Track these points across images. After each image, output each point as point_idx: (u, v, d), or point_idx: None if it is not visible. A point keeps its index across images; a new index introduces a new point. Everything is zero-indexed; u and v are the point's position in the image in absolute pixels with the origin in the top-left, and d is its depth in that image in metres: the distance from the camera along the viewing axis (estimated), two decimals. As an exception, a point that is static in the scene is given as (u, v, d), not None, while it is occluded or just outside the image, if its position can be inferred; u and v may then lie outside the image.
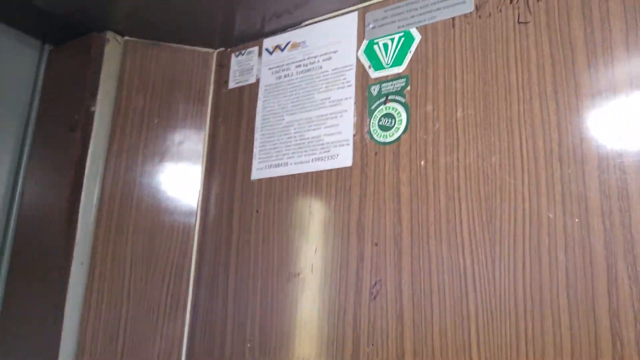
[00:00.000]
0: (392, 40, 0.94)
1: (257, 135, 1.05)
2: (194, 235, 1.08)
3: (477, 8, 0.87)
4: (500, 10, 0.84)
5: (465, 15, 0.87)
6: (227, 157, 1.09)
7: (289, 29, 1.09)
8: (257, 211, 1.02)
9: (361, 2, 1.00)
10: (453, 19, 0.88)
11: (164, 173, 1.09)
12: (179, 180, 1.10)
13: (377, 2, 0.98)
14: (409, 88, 0.90)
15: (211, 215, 1.08)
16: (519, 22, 0.82)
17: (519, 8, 0.83)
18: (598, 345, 0.68)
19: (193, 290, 1.05)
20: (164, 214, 1.07)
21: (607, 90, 0.73)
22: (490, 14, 0.85)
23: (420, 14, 0.92)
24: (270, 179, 1.02)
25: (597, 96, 0.74)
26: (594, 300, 0.69)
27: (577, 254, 0.71)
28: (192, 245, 1.07)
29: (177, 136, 1.11)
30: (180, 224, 1.08)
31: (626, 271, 0.68)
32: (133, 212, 1.06)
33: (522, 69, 0.80)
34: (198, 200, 1.10)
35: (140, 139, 1.09)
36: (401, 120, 0.89)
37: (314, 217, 0.95)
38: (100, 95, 1.07)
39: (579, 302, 0.70)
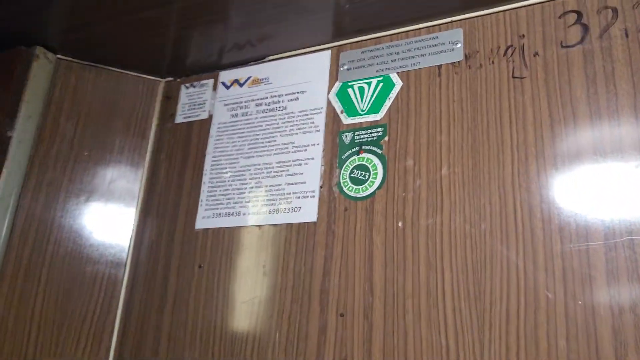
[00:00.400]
0: (369, 84, 0.85)
1: (206, 179, 0.92)
2: (120, 290, 0.92)
3: (466, 57, 0.79)
4: (493, 62, 0.77)
5: (453, 64, 0.79)
6: (168, 201, 0.95)
7: (251, 63, 0.97)
8: (200, 266, 0.88)
9: (335, 41, 0.90)
10: (439, 66, 0.80)
11: (90, 214, 0.93)
12: (108, 223, 0.94)
13: (353, 42, 0.89)
14: (386, 138, 0.80)
15: (143, 267, 0.92)
16: (513, 77, 0.75)
17: (513, 62, 0.75)
18: None
19: (114, 358, 0.88)
20: (86, 263, 0.91)
21: (614, 153, 0.66)
22: (481, 65, 0.77)
23: (402, 59, 0.83)
24: (219, 229, 0.88)
25: (601, 161, 0.67)
26: (601, 398, 0.59)
27: (581, 341, 0.62)
28: (118, 303, 0.91)
29: (110, 172, 0.96)
30: (105, 275, 0.91)
31: (639, 366, 0.59)
32: (48, 259, 0.89)
33: (518, 127, 0.72)
34: (129, 248, 0.94)
35: (64, 173, 0.93)
36: (376, 174, 0.79)
37: (268, 278, 0.82)
38: (20, 119, 0.91)
39: (584, 399, 0.60)
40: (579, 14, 0.73)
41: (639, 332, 0.60)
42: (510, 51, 0.76)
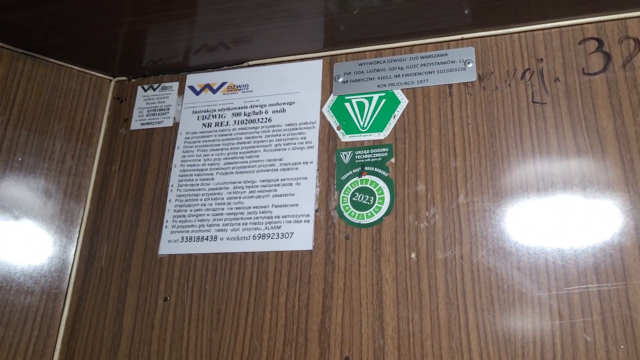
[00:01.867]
0: (370, 100, 0.77)
1: (172, 196, 0.79)
2: (59, 328, 0.75)
3: (480, 78, 0.74)
4: (509, 85, 0.72)
5: (465, 84, 0.74)
6: (122, 221, 0.80)
7: (226, 67, 0.86)
8: (165, 299, 0.74)
9: (327, 49, 0.82)
10: (450, 85, 0.74)
11: (20, 235, 0.76)
12: (44, 246, 0.78)
13: (349, 53, 0.81)
14: (392, 160, 0.73)
15: (90, 300, 0.77)
16: (533, 102, 0.71)
17: (532, 86, 0.71)
18: None
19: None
20: (15, 295, 0.74)
21: (648, 193, 0.63)
22: (497, 86, 0.72)
23: (407, 75, 0.76)
24: (189, 256, 0.75)
25: (633, 195, 0.64)
26: None
27: (627, 390, 0.57)
28: (55, 343, 0.75)
29: (48, 183, 0.80)
30: (39, 310, 0.75)
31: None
32: (-33, 288, 0.71)
33: (542, 155, 0.68)
34: (69, 277, 0.78)
35: (-10, 182, 0.76)
36: (383, 199, 0.71)
37: (254, 314, 0.70)
38: None
39: None
40: (600, 41, 0.71)
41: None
42: (528, 75, 0.72)
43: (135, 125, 0.86)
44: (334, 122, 0.77)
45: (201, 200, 0.77)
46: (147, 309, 0.74)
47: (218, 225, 0.75)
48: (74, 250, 0.79)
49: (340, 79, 0.79)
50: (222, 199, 0.77)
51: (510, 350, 0.61)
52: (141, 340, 0.73)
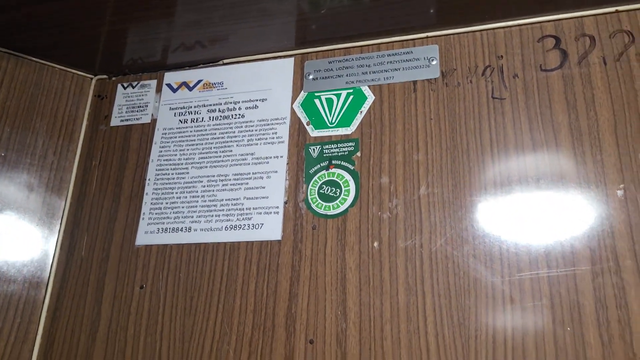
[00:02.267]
0: (338, 96, 0.80)
1: (149, 189, 0.82)
2: (40, 314, 0.79)
3: (443, 75, 0.77)
4: (471, 82, 0.75)
5: (429, 81, 0.77)
6: (101, 213, 0.83)
7: (202, 66, 0.89)
8: (141, 287, 0.77)
9: (298, 48, 0.85)
10: (414, 82, 0.77)
11: (3, 227, 0.79)
12: (27, 238, 0.81)
13: (319, 51, 0.84)
14: (358, 154, 0.76)
15: (70, 288, 0.80)
16: (493, 98, 0.74)
17: (492, 82, 0.74)
18: None
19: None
20: (-2, 283, 0.77)
21: (598, 183, 0.66)
22: (459, 83, 0.75)
23: (374, 72, 0.79)
24: (165, 246, 0.78)
25: (584, 187, 0.67)
26: None
27: (572, 370, 0.60)
28: (37, 328, 0.78)
29: (30, 178, 0.83)
30: (22, 297, 0.78)
31: (630, 394, 0.58)
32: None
33: (499, 149, 0.71)
34: (51, 266, 0.81)
35: (-26, 176, 0.79)
36: (349, 191, 0.74)
37: (225, 300, 0.73)
38: None
39: None
40: (557, 39, 0.74)
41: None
42: (488, 71, 0.75)
43: (115, 121, 0.89)
44: (303, 118, 0.80)
45: (176, 193, 0.81)
46: (124, 296, 0.77)
47: (192, 217, 0.79)
48: (55, 241, 0.83)
49: (311, 76, 0.82)
50: (197, 192, 0.80)
51: (464, 333, 0.64)
52: (118, 325, 0.76)
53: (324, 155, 0.77)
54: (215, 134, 0.83)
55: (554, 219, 0.66)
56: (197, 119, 0.85)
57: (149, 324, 0.75)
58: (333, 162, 0.76)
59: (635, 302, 0.60)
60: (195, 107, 0.86)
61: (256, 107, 0.83)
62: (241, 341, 0.71)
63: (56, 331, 0.78)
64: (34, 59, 0.89)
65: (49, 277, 0.81)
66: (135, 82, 0.91)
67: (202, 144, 0.83)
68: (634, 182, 0.65)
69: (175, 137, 0.84)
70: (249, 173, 0.79)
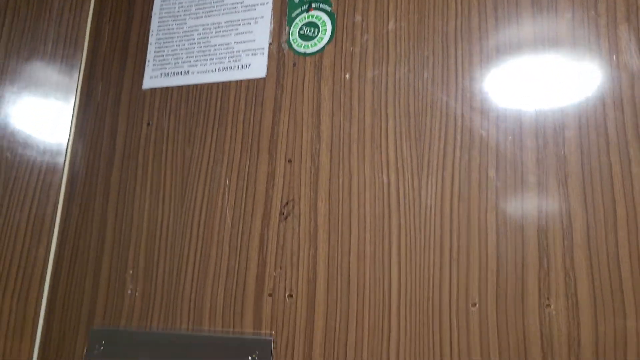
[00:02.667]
0: (319, -56, 0.86)
1: (152, 39, 0.92)
2: (66, 153, 0.91)
3: None
4: None
5: None
6: (113, 63, 0.94)
7: None
8: (148, 124, 0.88)
9: None
10: None
11: (29, 77, 0.91)
12: (50, 84, 0.92)
13: None
14: (335, -4, 0.83)
15: (89, 127, 0.92)
16: (458, -64, 0.78)
17: None
18: (525, 262, 0.66)
19: (64, 206, 0.89)
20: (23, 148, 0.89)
21: (549, 10, 0.72)
22: None
23: None
24: (167, 88, 0.89)
25: (538, 15, 0.72)
26: (523, 218, 0.67)
27: (509, 171, 0.69)
28: (64, 168, 0.91)
29: (48, 34, 0.93)
30: (45, 143, 0.91)
31: (557, 189, 0.66)
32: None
33: (461, -17, 0.76)
34: (73, 110, 0.93)
35: None
36: (325, 30, 0.82)
37: (218, 131, 0.84)
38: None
39: (508, 219, 0.67)
40: None
41: (560, 162, 0.67)
42: None
43: (122, -19, 0.98)
44: (287, -33, 0.87)
45: (176, 41, 0.90)
46: (134, 132, 0.89)
47: (190, 61, 0.88)
48: (75, 88, 0.94)
49: None
50: (194, 39, 0.89)
51: (419, 145, 0.73)
52: (130, 156, 0.88)
53: (305, -1, 0.84)
54: (209, -13, 0.91)
55: (503, 46, 0.72)
56: (193, -25, 0.92)
57: (155, 153, 0.87)
58: (312, 4, 0.83)
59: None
60: (192, -36, 0.93)
61: (245, -40, 0.90)
62: (232, 163, 0.82)
63: (79, 162, 0.91)
64: None
65: (71, 121, 0.93)
66: (139, -55, 0.99)
67: (198, -3, 0.91)
68: (580, 6, 0.70)
69: (175, -8, 0.93)
70: (238, 20, 0.87)
